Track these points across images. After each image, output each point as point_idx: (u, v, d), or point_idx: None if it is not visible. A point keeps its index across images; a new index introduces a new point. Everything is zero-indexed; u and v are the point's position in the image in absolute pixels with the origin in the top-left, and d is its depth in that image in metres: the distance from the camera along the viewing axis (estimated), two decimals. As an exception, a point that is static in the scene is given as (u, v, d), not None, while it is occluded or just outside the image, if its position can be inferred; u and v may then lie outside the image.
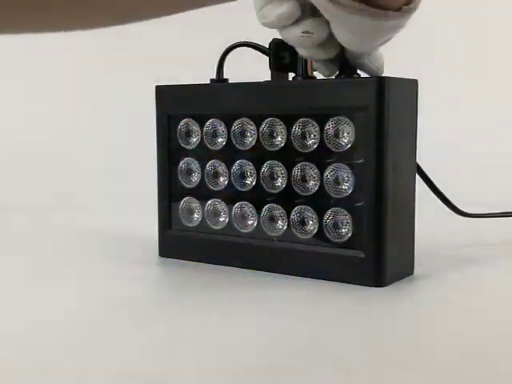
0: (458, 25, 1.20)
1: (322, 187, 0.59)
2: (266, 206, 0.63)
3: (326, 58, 0.57)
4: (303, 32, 0.53)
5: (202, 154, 0.67)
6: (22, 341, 0.46)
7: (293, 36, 0.53)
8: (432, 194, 0.69)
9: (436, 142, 0.98)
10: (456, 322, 0.49)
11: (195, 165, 0.67)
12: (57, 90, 1.20)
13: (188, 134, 0.67)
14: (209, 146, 0.66)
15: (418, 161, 0.62)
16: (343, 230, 0.59)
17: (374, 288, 0.57)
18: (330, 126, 0.58)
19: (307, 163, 0.60)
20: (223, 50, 0.66)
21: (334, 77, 0.59)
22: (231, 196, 0.65)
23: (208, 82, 0.66)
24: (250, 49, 0.66)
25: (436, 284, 0.59)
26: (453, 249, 0.74)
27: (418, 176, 0.63)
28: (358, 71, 0.59)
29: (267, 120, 0.62)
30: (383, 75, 0.56)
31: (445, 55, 1.18)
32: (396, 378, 0.39)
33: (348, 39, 0.52)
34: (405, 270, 0.61)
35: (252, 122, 0.63)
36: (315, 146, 0.59)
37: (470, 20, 1.21)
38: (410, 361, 0.42)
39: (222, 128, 0.65)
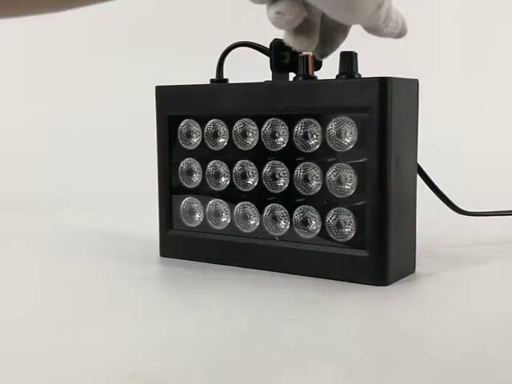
0: (458, 25, 1.20)
1: (324, 187, 0.59)
2: (268, 206, 0.63)
3: (304, 49, 0.55)
4: (276, 12, 0.52)
5: (203, 154, 0.67)
6: (22, 340, 0.46)
7: (270, 15, 0.52)
8: (431, 192, 0.70)
9: (435, 142, 0.98)
10: (457, 321, 0.50)
11: (196, 165, 0.67)
12: (57, 90, 1.20)
13: (188, 134, 0.68)
14: (210, 146, 0.66)
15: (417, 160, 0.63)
16: (346, 230, 0.59)
17: (376, 287, 0.57)
18: (332, 126, 0.58)
19: (309, 163, 0.60)
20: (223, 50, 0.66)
21: (334, 77, 0.60)
22: (233, 196, 0.65)
23: (208, 82, 0.66)
24: (250, 49, 0.65)
25: (437, 283, 0.60)
26: (452, 247, 0.74)
27: (417, 175, 0.63)
28: (359, 72, 0.59)
29: (269, 120, 0.62)
30: (385, 75, 0.56)
31: (445, 55, 1.18)
32: (397, 378, 0.40)
33: (330, 13, 0.51)
34: (407, 268, 0.61)
35: (254, 123, 0.63)
36: (317, 147, 0.60)
37: (470, 20, 1.21)
38: (411, 360, 0.42)
39: (223, 128, 0.65)
